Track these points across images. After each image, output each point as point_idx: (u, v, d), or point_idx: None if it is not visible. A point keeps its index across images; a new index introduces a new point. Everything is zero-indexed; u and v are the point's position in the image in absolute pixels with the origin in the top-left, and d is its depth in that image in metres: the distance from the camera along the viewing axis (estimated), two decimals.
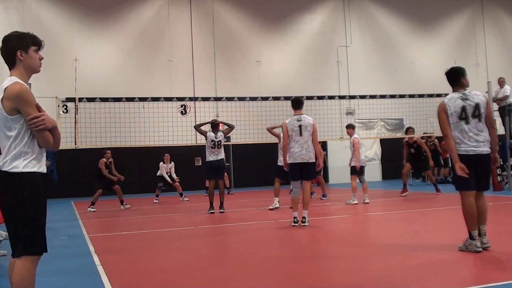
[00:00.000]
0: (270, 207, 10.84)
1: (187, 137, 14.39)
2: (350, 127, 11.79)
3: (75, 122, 11.92)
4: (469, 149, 5.27)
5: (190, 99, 14.71)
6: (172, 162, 14.65)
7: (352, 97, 18.37)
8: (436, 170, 17.44)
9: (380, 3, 22.83)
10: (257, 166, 18.97)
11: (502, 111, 13.77)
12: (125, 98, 12.82)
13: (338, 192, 15.11)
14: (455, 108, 5.32)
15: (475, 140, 5.27)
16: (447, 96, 5.49)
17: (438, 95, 13.51)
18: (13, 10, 17.87)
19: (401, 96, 14.97)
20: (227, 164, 13.89)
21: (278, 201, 10.92)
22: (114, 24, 19.23)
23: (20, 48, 3.25)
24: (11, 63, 3.28)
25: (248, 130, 15.43)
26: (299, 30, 21.58)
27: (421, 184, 17.81)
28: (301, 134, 8.03)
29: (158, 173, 14.49)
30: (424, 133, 17.06)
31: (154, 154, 16.38)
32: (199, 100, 15.14)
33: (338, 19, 22.15)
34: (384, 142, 21.46)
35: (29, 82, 3.31)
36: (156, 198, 14.22)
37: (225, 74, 20.16)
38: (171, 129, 14.25)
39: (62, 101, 11.83)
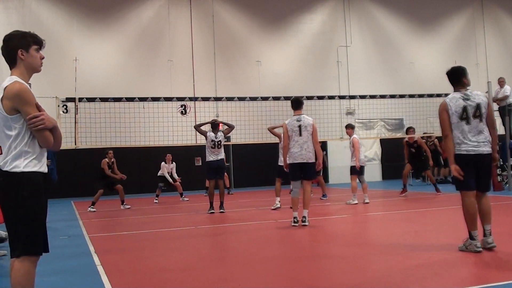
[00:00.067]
0: (273, 207, 10.85)
1: (187, 137, 14.41)
2: (350, 127, 11.82)
3: (75, 122, 11.93)
4: (469, 149, 5.26)
5: (190, 99, 14.71)
6: (174, 163, 14.66)
7: (352, 97, 18.37)
8: (436, 170, 17.43)
9: (380, 3, 22.82)
10: (257, 166, 18.98)
11: (502, 111, 13.77)
12: (125, 98, 12.83)
13: (338, 192, 15.11)
14: (456, 108, 5.30)
15: (476, 140, 5.26)
16: (449, 96, 5.46)
17: (438, 95, 13.52)
18: (13, 10, 17.87)
19: (401, 96, 14.99)
20: (227, 164, 13.89)
21: (279, 201, 10.94)
22: (114, 24, 19.23)
23: (21, 47, 3.24)
24: (12, 62, 3.27)
25: (248, 130, 15.44)
26: (299, 30, 21.57)
27: (421, 184, 17.80)
28: (300, 134, 8.03)
29: (159, 173, 14.48)
30: (424, 133, 17.06)
31: (154, 154, 16.39)
32: (199, 100, 15.15)
33: (338, 19, 22.14)
34: (384, 142, 21.46)
35: (29, 82, 3.30)
36: (156, 198, 14.21)
37: (225, 74, 20.16)
38: (171, 129, 14.26)
39: (62, 101, 11.84)
